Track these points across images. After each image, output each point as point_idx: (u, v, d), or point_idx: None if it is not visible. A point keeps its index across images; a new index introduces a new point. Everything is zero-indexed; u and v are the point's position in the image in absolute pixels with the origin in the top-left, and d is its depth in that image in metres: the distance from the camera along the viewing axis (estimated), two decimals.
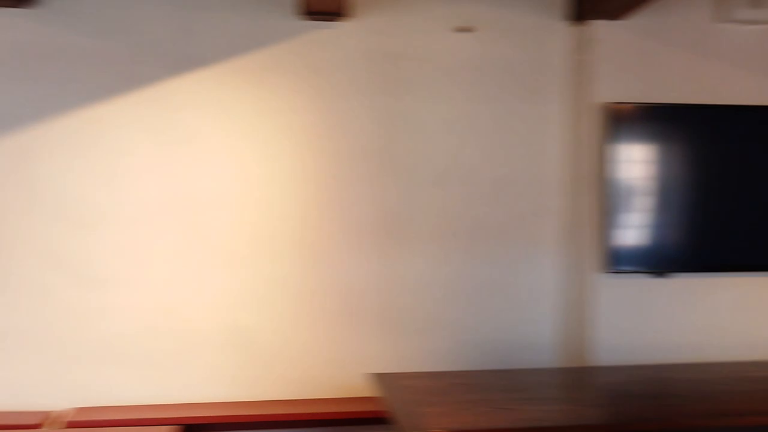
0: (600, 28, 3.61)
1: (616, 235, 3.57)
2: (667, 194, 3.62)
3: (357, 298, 3.60)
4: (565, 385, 3.35)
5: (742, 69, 3.70)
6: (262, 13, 3.52)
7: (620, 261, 3.58)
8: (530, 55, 3.69)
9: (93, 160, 3.44)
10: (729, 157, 3.68)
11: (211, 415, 3.39)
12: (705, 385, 3.17)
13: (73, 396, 3.45)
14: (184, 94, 3.48)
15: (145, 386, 3.50)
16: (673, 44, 3.67)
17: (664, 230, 3.63)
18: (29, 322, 3.41)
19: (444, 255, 3.65)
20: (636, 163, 3.60)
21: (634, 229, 3.61)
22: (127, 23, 3.45)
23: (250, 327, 3.54)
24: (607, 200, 3.57)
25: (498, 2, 3.66)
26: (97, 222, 3.44)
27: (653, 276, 3.62)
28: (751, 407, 2.85)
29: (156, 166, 3.48)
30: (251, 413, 3.40)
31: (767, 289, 3.71)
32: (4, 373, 3.41)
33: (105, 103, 3.45)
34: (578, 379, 3.47)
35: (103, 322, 3.46)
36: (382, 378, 3.12)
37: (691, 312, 3.66)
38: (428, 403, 2.76)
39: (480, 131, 3.67)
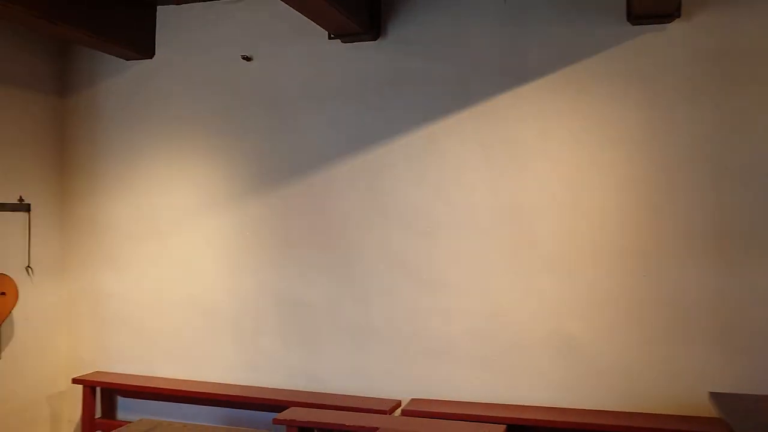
0: None
1: None
2: None
3: (693, 311, 3.40)
4: None
5: None
6: (589, 22, 3.53)
7: None
8: None
9: (430, 173, 3.77)
10: None
11: (537, 418, 3.47)
12: None
13: (412, 387, 3.80)
14: (513, 107, 3.64)
15: (473, 384, 3.71)
16: None
17: None
18: (380, 319, 3.86)
19: None
20: None
21: None
22: (458, 44, 3.72)
23: (575, 335, 3.56)
24: None
25: None
26: (435, 230, 3.76)
27: None
28: None
29: (486, 177, 3.69)
30: (578, 420, 3.40)
31: None
32: (359, 363, 3.89)
33: (439, 120, 3.76)
34: None
35: (441, 322, 3.76)
36: (724, 398, 2.91)
37: None
38: None
39: None
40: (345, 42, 3.89)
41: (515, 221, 3.64)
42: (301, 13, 3.50)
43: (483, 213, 3.69)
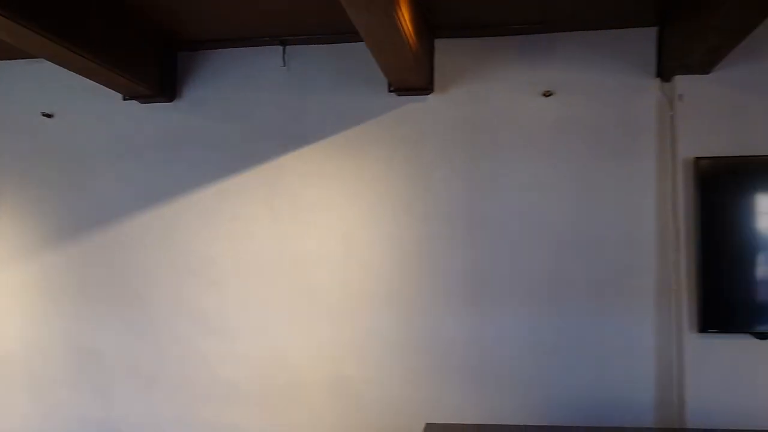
0: (687, 82, 3.59)
1: (713, 293, 3.46)
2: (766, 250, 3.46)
3: (447, 352, 3.81)
4: None
5: None
6: (359, 92, 3.94)
7: (719, 320, 3.47)
8: (618, 115, 3.74)
9: (221, 227, 4.03)
10: None
11: None
12: None
13: None
14: (296, 167, 3.98)
15: (259, 425, 3.95)
16: (765, 95, 3.55)
17: (765, 287, 3.46)
18: (171, 366, 4.04)
19: (535, 312, 3.76)
20: (730, 218, 3.49)
21: (732, 287, 3.48)
22: (246, 108, 4.04)
23: (349, 375, 3.88)
24: (702, 257, 3.48)
25: (581, 64, 3.77)
26: (224, 280, 4.01)
27: (755, 336, 3.46)
28: None
29: (272, 231, 3.99)
30: None
31: None
32: (150, 410, 4.05)
33: (230, 177, 4.04)
34: None
35: (230, 368, 3.99)
36: (435, 428, 3.30)
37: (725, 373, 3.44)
38: None
39: (568, 191, 3.77)
40: (142, 102, 4.12)
41: (297, 272, 3.95)
42: (91, 79, 3.71)
43: (269, 264, 3.98)
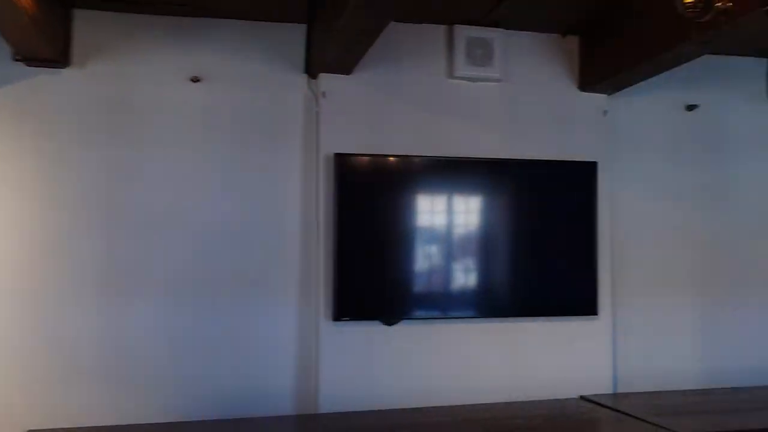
0: (330, 81, 3.72)
1: (346, 284, 3.63)
2: (400, 243, 3.73)
3: (77, 353, 3.49)
4: None
5: (471, 123, 3.90)
6: None
7: (352, 309, 3.65)
8: (267, 108, 3.76)
9: None
10: (461, 206, 3.86)
11: None
12: (427, 429, 3.26)
13: None
14: None
15: None
16: (406, 98, 3.83)
17: (393, 278, 3.73)
18: None
19: (178, 307, 3.60)
20: (364, 214, 3.70)
21: (364, 278, 3.69)
22: None
23: None
24: (338, 250, 3.63)
25: (233, 53, 3.72)
26: None
27: (384, 323, 3.70)
28: None
29: None
30: None
31: (496, 334, 3.86)
32: None
33: None
34: (303, 427, 3.48)
35: None
36: None
37: (420, 358, 3.75)
38: None
39: (215, 181, 3.68)
40: None
41: None
42: None
43: None
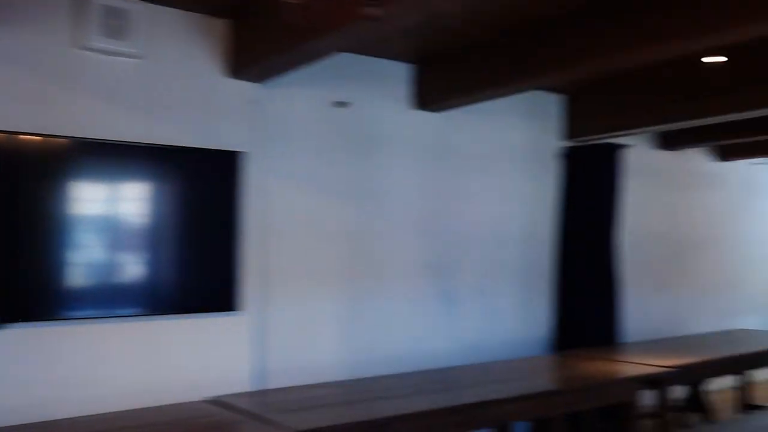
0: None
1: None
2: None
3: None
4: None
5: (108, 102, 3.50)
6: None
7: None
8: None
9: None
10: (89, 193, 3.45)
11: None
12: None
13: None
14: None
15: None
16: (23, 67, 3.30)
17: None
18: None
19: None
20: None
21: None
22: None
23: None
24: None
25: None
26: None
27: None
28: None
29: None
30: None
31: (130, 334, 3.53)
32: None
33: None
34: None
35: None
36: None
37: (34, 368, 3.28)
38: None
39: None
40: None
41: None
42: None
43: None
